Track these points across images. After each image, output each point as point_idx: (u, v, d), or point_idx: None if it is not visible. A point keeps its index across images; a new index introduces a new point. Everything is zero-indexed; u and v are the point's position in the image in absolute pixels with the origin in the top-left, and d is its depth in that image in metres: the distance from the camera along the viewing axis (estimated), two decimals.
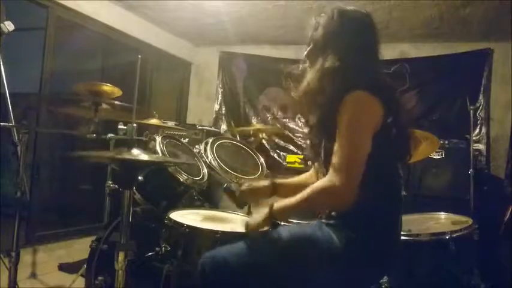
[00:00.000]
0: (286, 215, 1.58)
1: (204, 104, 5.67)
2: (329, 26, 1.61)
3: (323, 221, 1.57)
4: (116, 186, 2.99)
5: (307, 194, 1.46)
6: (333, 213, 1.54)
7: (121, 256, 1.58)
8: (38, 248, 3.55)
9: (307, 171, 1.91)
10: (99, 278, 2.26)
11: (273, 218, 1.55)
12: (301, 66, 1.72)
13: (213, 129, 4.62)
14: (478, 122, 4.38)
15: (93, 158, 1.82)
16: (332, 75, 1.53)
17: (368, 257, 1.47)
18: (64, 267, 3.60)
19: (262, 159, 2.91)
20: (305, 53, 1.69)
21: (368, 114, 1.45)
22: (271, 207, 1.54)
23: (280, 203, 1.55)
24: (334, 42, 1.58)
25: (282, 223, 2.42)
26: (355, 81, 1.47)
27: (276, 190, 1.84)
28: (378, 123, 1.46)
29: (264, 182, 1.86)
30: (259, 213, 1.58)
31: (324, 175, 1.57)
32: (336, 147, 1.44)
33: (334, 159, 1.42)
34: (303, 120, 1.64)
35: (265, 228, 1.57)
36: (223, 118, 5.53)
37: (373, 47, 1.62)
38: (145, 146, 2.66)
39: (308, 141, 1.69)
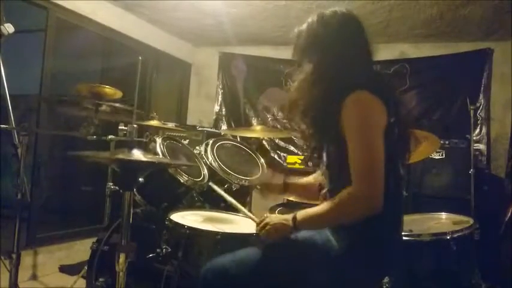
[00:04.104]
0: (309, 226, 1.51)
1: (204, 105, 5.67)
2: (309, 32, 1.60)
3: None
4: (117, 187, 2.99)
5: (333, 207, 1.41)
6: None
7: (122, 257, 1.57)
8: (38, 249, 3.55)
9: (307, 171, 1.91)
10: (100, 279, 2.25)
11: (296, 229, 1.49)
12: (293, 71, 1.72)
13: (213, 130, 4.62)
14: (479, 122, 4.38)
15: (94, 159, 1.81)
16: (316, 79, 1.52)
17: (368, 259, 1.46)
18: (65, 269, 3.60)
19: (262, 160, 2.91)
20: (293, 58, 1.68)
21: (375, 113, 1.43)
22: (294, 218, 1.49)
23: (303, 213, 1.49)
24: (314, 47, 1.57)
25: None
26: (350, 82, 1.46)
27: (286, 188, 1.88)
28: (384, 123, 1.44)
29: (277, 181, 1.92)
30: (280, 222, 1.52)
31: (328, 178, 1.57)
32: (351, 152, 1.40)
33: (354, 166, 1.38)
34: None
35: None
36: (224, 119, 5.53)
37: (359, 46, 1.58)
38: (146, 147, 2.66)
39: (308, 145, 1.66)
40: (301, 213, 1.49)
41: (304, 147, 1.70)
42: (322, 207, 1.46)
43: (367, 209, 1.37)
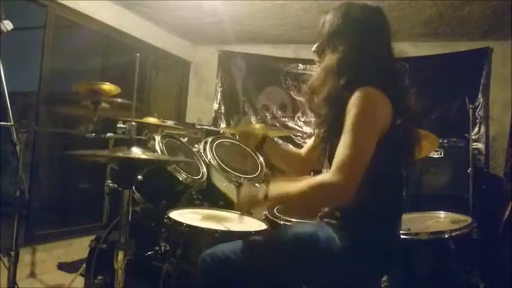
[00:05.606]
0: (278, 202, 1.54)
1: (203, 103, 5.67)
2: (335, 21, 1.56)
3: (324, 220, 1.57)
4: (115, 185, 2.99)
5: (304, 189, 1.38)
6: (337, 214, 1.53)
7: (120, 255, 1.57)
8: (37, 247, 3.55)
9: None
10: (99, 277, 2.26)
11: (265, 202, 1.50)
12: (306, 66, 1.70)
13: (212, 128, 4.62)
14: (477, 121, 4.39)
15: (93, 157, 1.81)
16: (337, 70, 1.50)
17: (368, 257, 1.46)
18: (63, 267, 3.60)
19: (261, 158, 2.91)
20: (313, 48, 1.65)
21: (375, 112, 1.40)
22: (266, 194, 1.48)
23: (275, 189, 1.47)
24: (340, 37, 1.54)
25: (282, 222, 2.42)
26: (362, 77, 1.44)
27: (264, 141, 1.97)
28: (387, 124, 1.42)
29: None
30: (254, 193, 1.53)
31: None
32: (340, 144, 1.38)
33: (337, 157, 1.36)
34: (302, 119, 1.64)
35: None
36: (223, 117, 5.53)
37: (383, 43, 1.57)
38: (145, 145, 2.66)
39: (316, 136, 1.65)
40: (273, 189, 1.48)
41: (303, 144, 1.70)
42: (293, 187, 1.41)
43: (336, 198, 1.37)
